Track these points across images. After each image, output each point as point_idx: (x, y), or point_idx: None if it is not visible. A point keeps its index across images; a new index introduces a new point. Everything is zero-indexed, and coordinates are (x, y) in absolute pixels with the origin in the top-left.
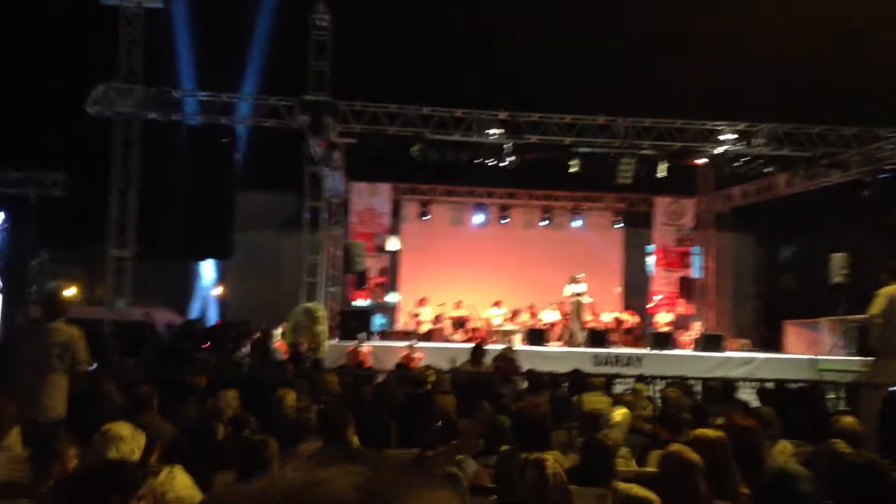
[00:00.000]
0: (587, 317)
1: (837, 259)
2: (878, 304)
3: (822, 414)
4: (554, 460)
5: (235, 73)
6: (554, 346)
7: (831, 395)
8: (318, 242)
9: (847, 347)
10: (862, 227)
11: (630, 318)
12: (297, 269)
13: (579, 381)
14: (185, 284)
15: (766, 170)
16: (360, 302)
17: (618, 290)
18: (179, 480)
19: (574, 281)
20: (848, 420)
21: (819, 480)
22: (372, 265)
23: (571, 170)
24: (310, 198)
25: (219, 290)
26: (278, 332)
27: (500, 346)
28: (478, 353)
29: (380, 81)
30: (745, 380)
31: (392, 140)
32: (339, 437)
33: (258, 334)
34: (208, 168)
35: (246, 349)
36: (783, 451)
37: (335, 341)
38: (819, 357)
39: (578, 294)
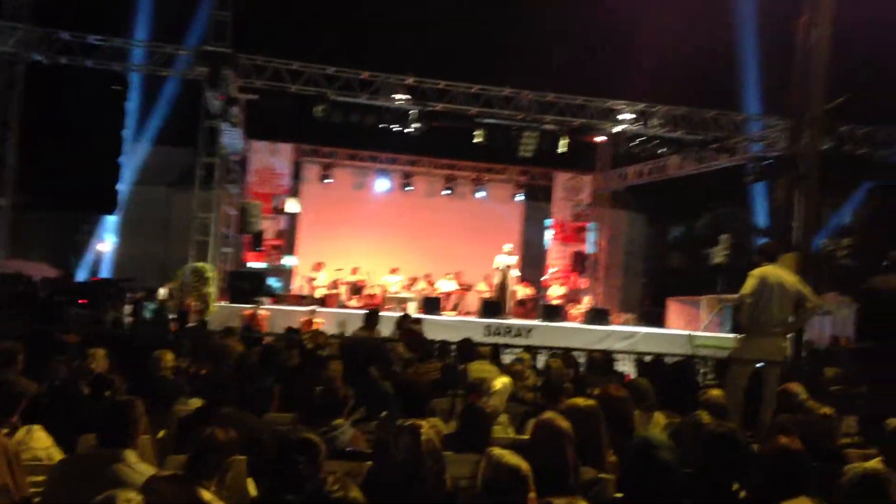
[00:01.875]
0: (515, 287)
1: (720, 240)
2: (749, 285)
3: (692, 387)
4: (431, 427)
5: (130, 16)
6: (448, 315)
7: (704, 370)
8: (212, 200)
9: (722, 324)
10: (745, 211)
11: (524, 290)
12: (189, 227)
13: (467, 349)
14: (67, 238)
15: (660, 151)
16: (255, 264)
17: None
18: (37, 439)
19: (504, 252)
20: (714, 393)
21: (684, 449)
22: (269, 227)
23: (476, 140)
24: (205, 153)
25: (107, 247)
26: (165, 290)
27: (395, 314)
28: (371, 319)
29: (284, 37)
30: (626, 352)
31: (295, 98)
32: (215, 401)
33: (141, 293)
34: (96, 116)
35: (128, 308)
36: (657, 424)
37: (225, 304)
38: (695, 333)
39: (509, 266)
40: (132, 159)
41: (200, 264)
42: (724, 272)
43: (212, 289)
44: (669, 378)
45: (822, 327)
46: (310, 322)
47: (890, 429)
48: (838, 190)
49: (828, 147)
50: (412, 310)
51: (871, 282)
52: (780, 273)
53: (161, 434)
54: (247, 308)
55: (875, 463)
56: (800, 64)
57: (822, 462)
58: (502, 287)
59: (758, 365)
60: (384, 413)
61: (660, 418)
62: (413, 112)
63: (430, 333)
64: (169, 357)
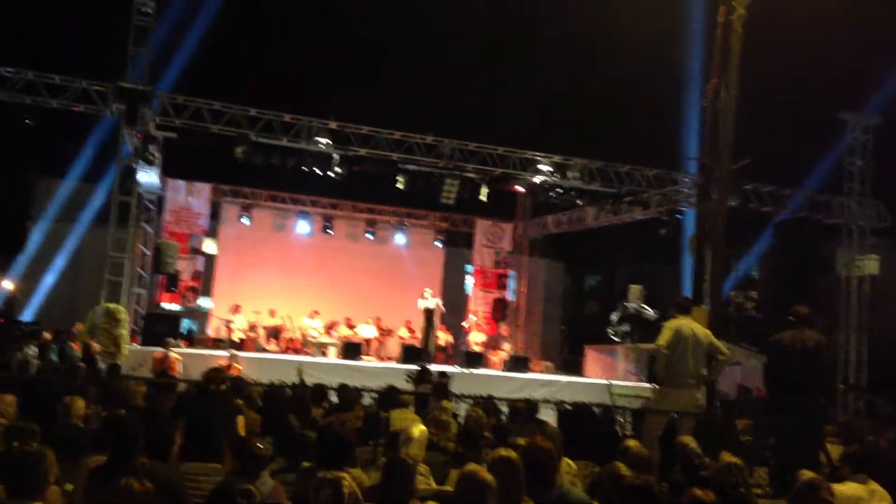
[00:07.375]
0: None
1: (634, 290)
2: (664, 336)
3: (611, 436)
4: (353, 479)
5: (45, 50)
6: (369, 361)
7: (622, 420)
8: (126, 240)
9: (639, 374)
10: (657, 262)
11: (444, 336)
12: (100, 266)
13: (390, 397)
14: None
15: (577, 201)
16: (169, 305)
17: (440, 308)
18: None
19: (424, 297)
20: (633, 444)
21: (602, 499)
22: (184, 268)
23: (397, 185)
24: (120, 191)
25: (9, 285)
26: (77, 331)
27: (316, 359)
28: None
29: (205, 76)
30: (546, 401)
31: (215, 138)
32: (128, 450)
33: (49, 334)
34: (6, 152)
35: (34, 350)
36: (567, 471)
37: (136, 346)
38: (614, 382)
39: (431, 309)
40: (43, 196)
41: (112, 305)
42: (638, 322)
43: (124, 331)
44: (589, 427)
45: (732, 376)
46: (229, 367)
47: (800, 481)
48: (743, 242)
49: (734, 204)
50: (332, 355)
51: (777, 337)
52: (693, 326)
53: (70, 487)
54: (158, 351)
55: None
56: (709, 125)
57: None
58: (427, 331)
59: (673, 415)
60: (305, 464)
61: (570, 465)
62: (335, 157)
63: (352, 380)
64: (79, 404)
